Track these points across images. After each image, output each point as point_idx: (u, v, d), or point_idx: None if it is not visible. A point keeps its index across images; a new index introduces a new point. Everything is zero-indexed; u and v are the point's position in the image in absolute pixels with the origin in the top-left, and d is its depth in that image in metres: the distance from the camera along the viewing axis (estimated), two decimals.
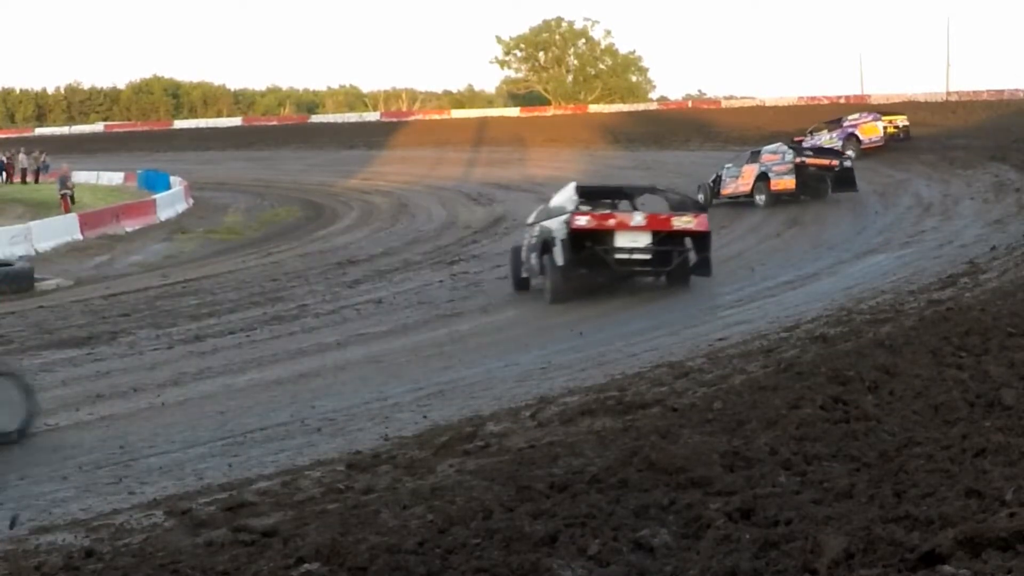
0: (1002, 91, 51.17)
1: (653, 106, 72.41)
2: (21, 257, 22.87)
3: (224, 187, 44.89)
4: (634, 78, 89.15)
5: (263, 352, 13.17)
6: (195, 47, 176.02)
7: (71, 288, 20.50)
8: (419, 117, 76.72)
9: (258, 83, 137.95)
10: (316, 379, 11.41)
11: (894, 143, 36.89)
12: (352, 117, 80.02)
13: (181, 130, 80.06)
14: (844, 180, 27.56)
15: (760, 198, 27.85)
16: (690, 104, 71.76)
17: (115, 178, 50.78)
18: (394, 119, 75.60)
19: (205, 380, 11.67)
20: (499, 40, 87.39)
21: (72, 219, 29.37)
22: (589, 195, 17.14)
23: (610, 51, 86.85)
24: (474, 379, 10.85)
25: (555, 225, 15.35)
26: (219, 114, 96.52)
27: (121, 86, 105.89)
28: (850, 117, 39.27)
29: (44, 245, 25.96)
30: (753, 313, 13.77)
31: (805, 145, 32.01)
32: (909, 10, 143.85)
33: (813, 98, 60.04)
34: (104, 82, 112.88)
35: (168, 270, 22.66)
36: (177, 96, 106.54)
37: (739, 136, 48.78)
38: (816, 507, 4.93)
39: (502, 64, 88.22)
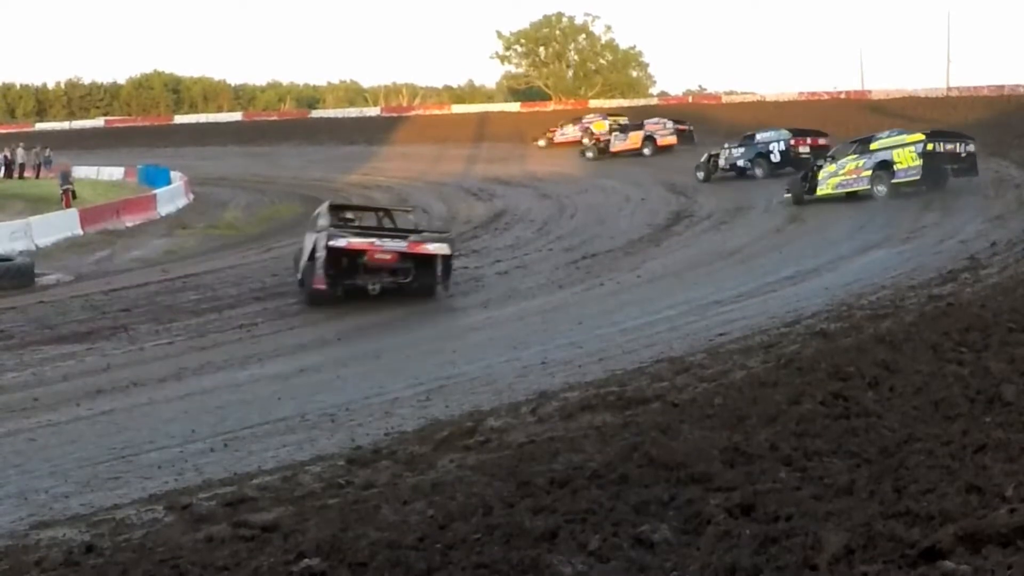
0: (1003, 86, 51.14)
1: (653, 101, 72.29)
2: (21, 252, 22.84)
3: (224, 183, 44.86)
4: (634, 73, 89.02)
5: (263, 347, 13.16)
6: (196, 42, 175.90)
7: (71, 283, 20.47)
8: (419, 113, 76.70)
9: (258, 78, 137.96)
10: (316, 374, 11.41)
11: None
12: (352, 113, 80.00)
13: (181, 125, 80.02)
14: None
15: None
16: (690, 99, 71.71)
17: (115, 173, 50.71)
18: (394, 115, 75.58)
19: (205, 375, 11.67)
20: (499, 35, 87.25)
21: (72, 215, 29.34)
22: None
23: (610, 46, 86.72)
24: (474, 374, 10.86)
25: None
26: (219, 109, 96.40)
27: (121, 81, 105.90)
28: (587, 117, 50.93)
29: (44, 241, 25.93)
30: (753, 308, 13.77)
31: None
32: (909, 5, 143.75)
33: (814, 93, 59.97)
34: (104, 77, 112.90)
35: (168, 265, 22.63)
36: (177, 91, 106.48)
37: (739, 131, 48.72)
38: (816, 503, 4.93)
39: (502, 59, 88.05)
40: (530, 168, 42.45)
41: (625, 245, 22.08)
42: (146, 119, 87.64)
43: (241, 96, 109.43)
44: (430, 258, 16.09)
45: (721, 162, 35.08)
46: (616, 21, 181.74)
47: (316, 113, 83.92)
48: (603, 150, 45.32)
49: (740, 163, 34.58)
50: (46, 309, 16.73)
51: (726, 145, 36.04)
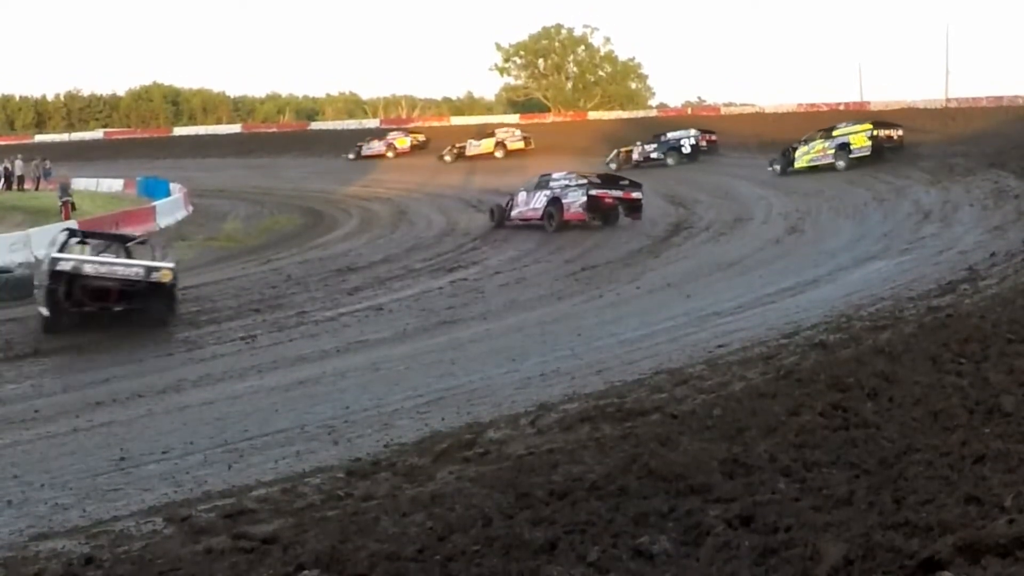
0: (1001, 98, 51.19)
1: (652, 113, 72.37)
2: (21, 264, 22.86)
3: (223, 194, 44.90)
4: (633, 85, 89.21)
5: (263, 359, 13.17)
6: (195, 54, 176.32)
7: None
8: (418, 124, 76.76)
9: (258, 90, 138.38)
10: (316, 386, 11.40)
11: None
12: (352, 124, 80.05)
13: (181, 137, 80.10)
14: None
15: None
16: (689, 111, 71.75)
17: (115, 185, 50.79)
18: (393, 126, 75.63)
19: (205, 387, 11.67)
20: (498, 47, 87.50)
21: (72, 227, 29.36)
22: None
23: (609, 58, 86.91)
24: (474, 386, 10.85)
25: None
26: (219, 121, 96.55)
27: (121, 93, 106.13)
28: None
29: (44, 252, 25.92)
30: (753, 320, 13.77)
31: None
32: (908, 17, 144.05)
33: (812, 105, 60.07)
34: (104, 89, 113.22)
35: None
36: (177, 103, 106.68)
37: (739, 143, 48.80)
38: (816, 514, 4.93)
39: (501, 71, 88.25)
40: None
41: (624, 256, 22.10)
42: (145, 131, 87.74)
43: (240, 108, 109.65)
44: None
45: (635, 155, 46.02)
46: (615, 33, 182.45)
47: (315, 125, 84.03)
48: (460, 155, 54.48)
49: (653, 156, 45.59)
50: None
51: (638, 143, 47.00)
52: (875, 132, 35.98)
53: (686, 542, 4.85)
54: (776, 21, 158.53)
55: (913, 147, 38.23)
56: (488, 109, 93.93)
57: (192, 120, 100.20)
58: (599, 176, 29.26)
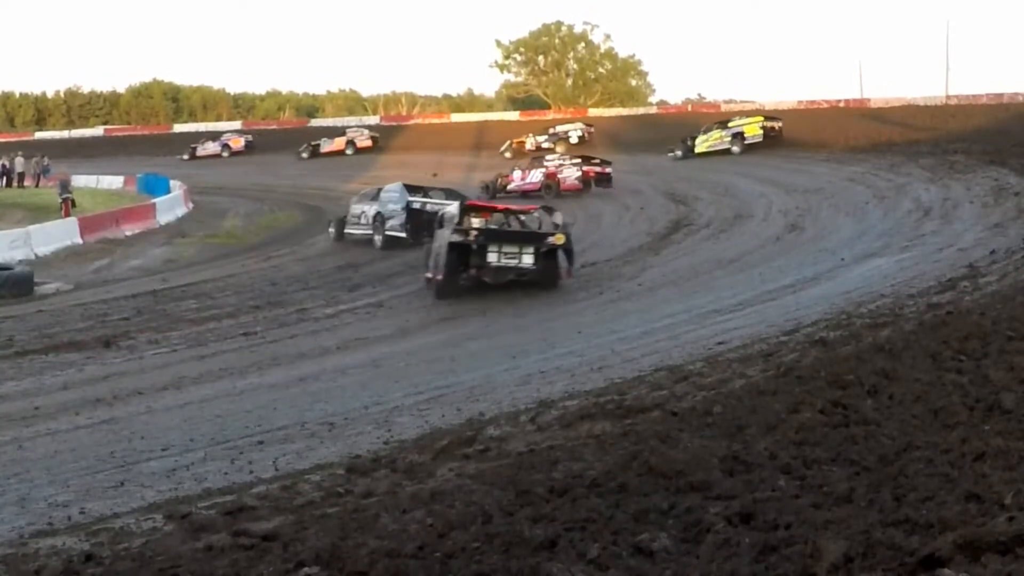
0: (1001, 95, 51.21)
1: (653, 110, 72.45)
2: (21, 261, 22.88)
3: (224, 191, 44.88)
4: (634, 82, 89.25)
5: (263, 356, 13.17)
6: (195, 51, 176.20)
7: (71, 292, 20.49)
8: (419, 121, 76.75)
9: (258, 87, 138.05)
10: (316, 383, 11.41)
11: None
12: (352, 121, 79.97)
13: (181, 134, 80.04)
14: None
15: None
16: (690, 108, 71.78)
17: (115, 182, 50.76)
18: (394, 123, 75.60)
19: (205, 384, 11.68)
20: (499, 44, 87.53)
21: (72, 223, 29.37)
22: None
23: (610, 55, 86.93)
24: (474, 383, 10.86)
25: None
26: (219, 118, 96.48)
27: (121, 90, 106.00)
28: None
29: (44, 249, 25.95)
30: (753, 317, 13.77)
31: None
32: (908, 14, 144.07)
33: (813, 102, 60.05)
34: (104, 86, 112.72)
35: (168, 274, 22.65)
36: (177, 100, 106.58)
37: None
38: (816, 511, 4.93)
39: (502, 68, 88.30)
40: None
41: (624, 253, 22.10)
42: (145, 128, 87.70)
43: (240, 105, 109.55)
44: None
45: (528, 145, 52.79)
46: (615, 30, 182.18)
47: (315, 122, 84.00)
48: (314, 152, 60.01)
49: (544, 145, 51.95)
50: (46, 318, 16.75)
51: (530, 134, 54.98)
52: (765, 123, 44.42)
53: (686, 539, 4.85)
54: (777, 18, 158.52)
55: (913, 144, 38.24)
56: (488, 106, 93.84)
57: (192, 117, 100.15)
58: (581, 156, 37.26)
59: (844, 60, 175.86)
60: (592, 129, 55.05)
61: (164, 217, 34.45)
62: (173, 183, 43.15)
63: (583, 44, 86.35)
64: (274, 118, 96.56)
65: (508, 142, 54.47)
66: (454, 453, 7.63)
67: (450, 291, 17.26)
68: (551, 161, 36.09)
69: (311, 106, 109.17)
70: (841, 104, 58.46)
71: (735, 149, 43.28)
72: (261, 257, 25.05)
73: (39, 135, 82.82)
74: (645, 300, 16.29)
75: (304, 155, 60.20)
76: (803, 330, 12.09)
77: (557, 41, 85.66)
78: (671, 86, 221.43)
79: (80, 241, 28.10)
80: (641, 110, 71.38)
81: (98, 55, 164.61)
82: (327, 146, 61.08)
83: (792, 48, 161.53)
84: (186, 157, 63.20)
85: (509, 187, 34.97)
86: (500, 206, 21.27)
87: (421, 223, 23.24)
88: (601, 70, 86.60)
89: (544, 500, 5.73)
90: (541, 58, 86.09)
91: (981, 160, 32.17)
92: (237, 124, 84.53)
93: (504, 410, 9.30)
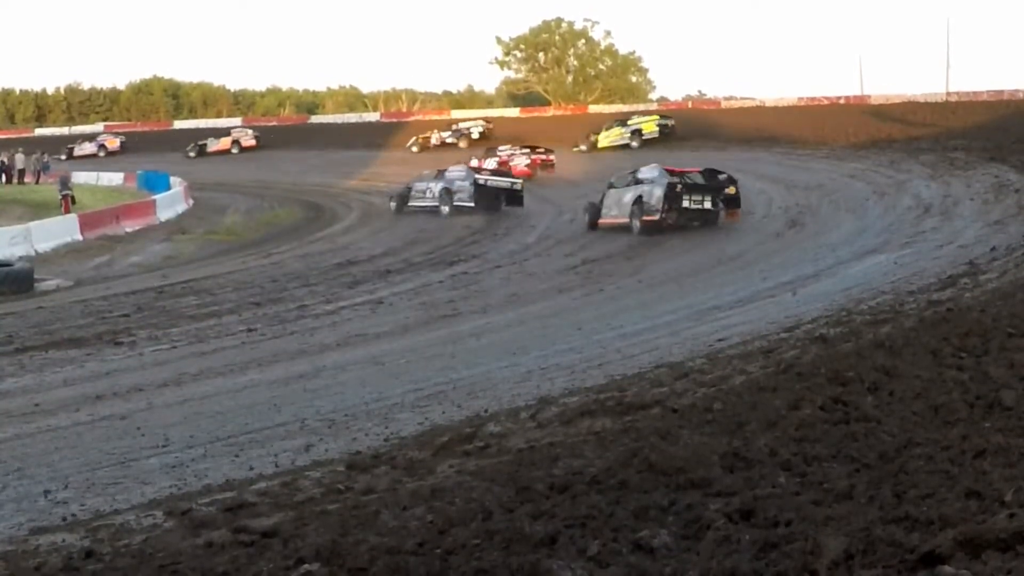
0: (1002, 91, 51.12)
1: (653, 107, 72.31)
2: (21, 258, 22.89)
3: (224, 188, 44.89)
4: (634, 79, 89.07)
5: (263, 352, 13.17)
6: (195, 48, 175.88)
7: (71, 289, 20.50)
8: (419, 118, 76.70)
9: (258, 84, 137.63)
10: (316, 379, 11.40)
11: None
12: (352, 118, 79.98)
13: (181, 131, 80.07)
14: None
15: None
16: (690, 105, 71.67)
17: (115, 179, 50.82)
18: (394, 120, 75.59)
19: (205, 380, 11.67)
20: (499, 41, 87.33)
21: (72, 220, 29.39)
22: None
23: (610, 52, 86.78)
24: (474, 380, 10.86)
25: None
26: (219, 115, 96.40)
27: (121, 87, 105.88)
28: None
29: (44, 246, 25.97)
30: (753, 314, 13.77)
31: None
32: (909, 11, 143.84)
33: (813, 99, 60.02)
34: (104, 83, 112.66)
35: (168, 271, 22.66)
36: (177, 97, 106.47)
37: (739, 136, 48.78)
38: (816, 508, 4.93)
39: (502, 65, 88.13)
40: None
41: (624, 250, 22.11)
42: (146, 124, 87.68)
43: (241, 101, 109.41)
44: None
45: (433, 140, 57.94)
46: (616, 26, 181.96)
47: (316, 118, 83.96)
48: (201, 152, 63.68)
49: (448, 140, 58.37)
50: (46, 314, 16.75)
51: (435, 130, 60.08)
52: (660, 121, 51.39)
53: (686, 536, 4.85)
54: (777, 15, 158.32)
55: (914, 141, 38.24)
56: (488, 103, 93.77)
57: (192, 114, 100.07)
58: (529, 147, 44.50)
59: (844, 57, 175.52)
60: (492, 126, 60.88)
61: (164, 213, 34.47)
62: (173, 179, 43.18)
63: (583, 41, 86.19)
64: (274, 115, 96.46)
65: (415, 137, 59.60)
66: (454, 450, 7.63)
67: (659, 229, 23.71)
68: (503, 151, 42.75)
69: (311, 103, 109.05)
70: (841, 101, 58.40)
71: (634, 144, 49.87)
72: (261, 253, 25.05)
73: (39, 131, 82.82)
74: (645, 296, 16.29)
75: (191, 154, 63.37)
76: (803, 327, 12.09)
77: (557, 38, 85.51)
78: (671, 83, 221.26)
79: (80, 238, 28.12)
80: (641, 107, 71.24)
81: (98, 52, 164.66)
82: (213, 146, 64.78)
83: (792, 45, 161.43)
84: (64, 158, 64.24)
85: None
86: (678, 169, 26.31)
87: (487, 195, 31.13)
88: (601, 67, 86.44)
89: (544, 497, 5.74)
90: (541, 55, 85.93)
91: (981, 157, 32.18)
92: (237, 120, 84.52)
93: (504, 407, 9.31)
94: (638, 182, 25.53)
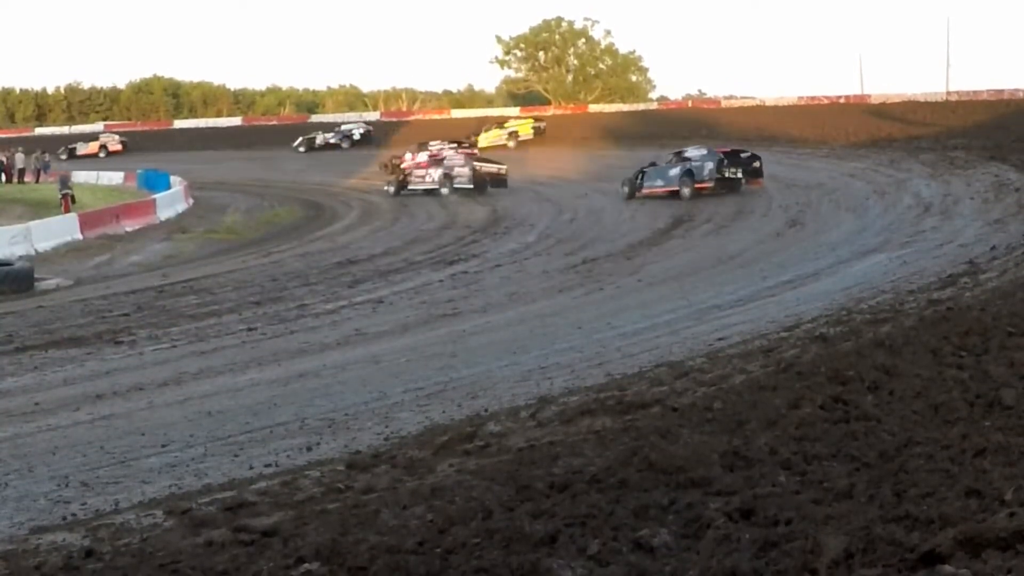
0: (1002, 91, 51.13)
1: (653, 106, 72.35)
2: (21, 257, 22.89)
3: (224, 187, 44.86)
4: (634, 78, 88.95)
5: (263, 352, 13.17)
6: (195, 47, 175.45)
7: (71, 288, 20.50)
8: (419, 117, 76.67)
9: (258, 83, 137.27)
10: (316, 379, 11.41)
11: None
12: (352, 117, 79.86)
13: (181, 130, 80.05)
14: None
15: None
16: (690, 104, 71.73)
17: (115, 178, 50.79)
18: (394, 119, 75.56)
19: (205, 380, 11.67)
20: (499, 40, 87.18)
21: (72, 219, 29.37)
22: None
23: (610, 51, 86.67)
24: (474, 379, 10.86)
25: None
26: (219, 114, 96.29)
27: (121, 86, 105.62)
28: None
29: (44, 245, 25.96)
30: (753, 313, 13.78)
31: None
32: (909, 10, 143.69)
33: (813, 98, 60.03)
34: (104, 82, 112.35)
35: (168, 270, 22.65)
36: (177, 96, 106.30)
37: (739, 135, 48.78)
38: (816, 507, 4.93)
39: (502, 64, 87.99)
40: (530, 172, 42.49)
41: (625, 249, 22.11)
42: (146, 124, 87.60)
43: (241, 101, 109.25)
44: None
45: (318, 141, 62.75)
46: (616, 26, 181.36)
47: (316, 117, 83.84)
48: (72, 154, 65.32)
49: (332, 141, 63.50)
50: (46, 313, 16.76)
51: (319, 132, 65.18)
52: (534, 124, 58.49)
53: (686, 535, 4.85)
54: (777, 14, 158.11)
55: (914, 140, 38.25)
56: (488, 102, 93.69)
57: (192, 113, 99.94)
58: (456, 142, 45.04)
59: (844, 56, 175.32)
60: (371, 128, 66.23)
61: (164, 213, 34.45)
62: (173, 179, 43.15)
63: (583, 40, 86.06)
64: (274, 114, 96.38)
65: (301, 138, 64.71)
66: (454, 449, 7.63)
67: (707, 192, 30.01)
68: (434, 146, 44.56)
69: (311, 102, 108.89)
70: (841, 100, 58.44)
71: (511, 144, 55.84)
72: (261, 253, 25.03)
73: (39, 131, 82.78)
74: (645, 295, 16.29)
75: (63, 156, 64.83)
76: (803, 326, 12.10)
77: (557, 37, 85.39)
78: (672, 82, 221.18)
79: (80, 237, 28.11)
80: (641, 106, 71.27)
81: (98, 51, 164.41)
82: (83, 149, 67.83)
83: (792, 44, 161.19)
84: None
85: (403, 166, 41.97)
86: (726, 149, 33.36)
87: (481, 178, 37.99)
88: (601, 66, 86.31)
89: (544, 496, 5.74)
90: (541, 54, 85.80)
91: (981, 156, 32.20)
92: (237, 120, 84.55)
93: (504, 406, 9.31)
94: (685, 159, 32.08)
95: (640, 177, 32.54)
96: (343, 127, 66.52)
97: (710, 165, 31.01)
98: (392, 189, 38.44)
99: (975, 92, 52.78)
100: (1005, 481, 4.83)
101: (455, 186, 37.14)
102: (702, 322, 13.44)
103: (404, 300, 17.15)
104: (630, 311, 14.74)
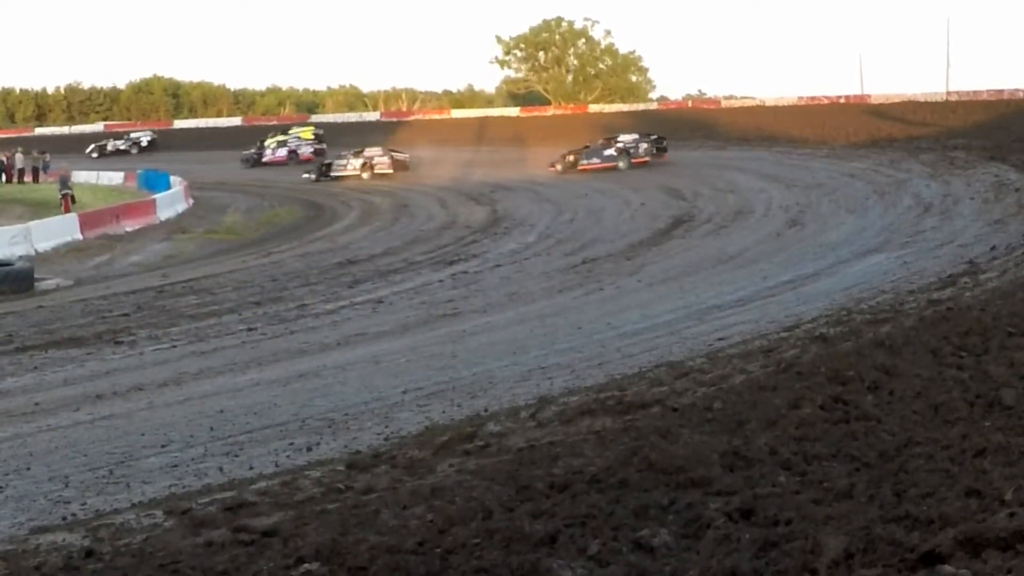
0: (1002, 91, 51.12)
1: (653, 106, 72.35)
2: (21, 257, 22.87)
3: (224, 187, 44.86)
4: (634, 78, 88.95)
5: (263, 352, 13.17)
6: (195, 47, 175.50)
7: (71, 288, 20.49)
8: (419, 117, 76.67)
9: (258, 83, 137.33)
10: (316, 379, 11.41)
11: None
12: (352, 117, 79.93)
13: (181, 130, 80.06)
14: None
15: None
16: (690, 104, 71.73)
17: (115, 178, 50.76)
18: (394, 119, 75.56)
19: (205, 380, 11.68)
20: (499, 40, 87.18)
21: (72, 219, 29.35)
22: None
23: (610, 51, 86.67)
24: (474, 379, 10.86)
25: None
26: (219, 114, 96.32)
27: (121, 86, 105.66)
28: None
29: (44, 245, 25.94)
30: (753, 313, 13.77)
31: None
32: (909, 10, 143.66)
33: (813, 98, 60.04)
34: (104, 82, 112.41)
35: (168, 270, 22.64)
36: (177, 96, 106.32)
37: (739, 135, 48.79)
38: (816, 507, 4.93)
39: (502, 64, 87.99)
40: (530, 173, 42.48)
41: (625, 249, 22.09)
42: (146, 124, 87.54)
43: (241, 101, 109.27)
44: None
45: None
46: (616, 26, 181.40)
47: (316, 117, 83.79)
48: (102, 152, 67.19)
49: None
50: (46, 314, 16.75)
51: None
52: (315, 131, 60.71)
53: (686, 535, 4.85)
54: (777, 14, 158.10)
55: (914, 140, 38.26)
56: (488, 102, 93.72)
57: (192, 113, 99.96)
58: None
59: (844, 56, 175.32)
60: (156, 137, 70.93)
61: (164, 213, 34.42)
62: (173, 179, 43.12)
63: (583, 40, 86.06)
64: (274, 114, 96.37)
65: (92, 145, 67.62)
66: (454, 449, 7.63)
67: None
68: (293, 143, 53.95)
69: (311, 102, 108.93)
70: (841, 100, 58.43)
71: (291, 154, 58.30)
72: (261, 253, 25.02)
73: (39, 131, 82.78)
74: (645, 296, 16.28)
75: (94, 155, 66.14)
76: (803, 326, 12.10)
77: (557, 37, 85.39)
78: (672, 82, 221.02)
79: (80, 237, 28.08)
80: (641, 106, 71.27)
81: (98, 51, 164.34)
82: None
83: (792, 44, 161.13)
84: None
85: (264, 159, 54.06)
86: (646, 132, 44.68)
87: (401, 165, 46.28)
88: (601, 66, 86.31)
89: (544, 496, 5.74)
90: (541, 54, 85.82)
91: (981, 156, 32.20)
92: (237, 120, 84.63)
93: (504, 406, 9.31)
94: (619, 142, 43.11)
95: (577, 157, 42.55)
96: (132, 135, 71.05)
97: (644, 145, 42.72)
98: (313, 176, 46.40)
99: (975, 92, 52.76)
100: (1005, 481, 4.83)
101: (376, 172, 46.01)
102: (702, 322, 13.44)
103: (404, 300, 17.14)
104: (630, 311, 14.74)
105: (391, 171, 46.35)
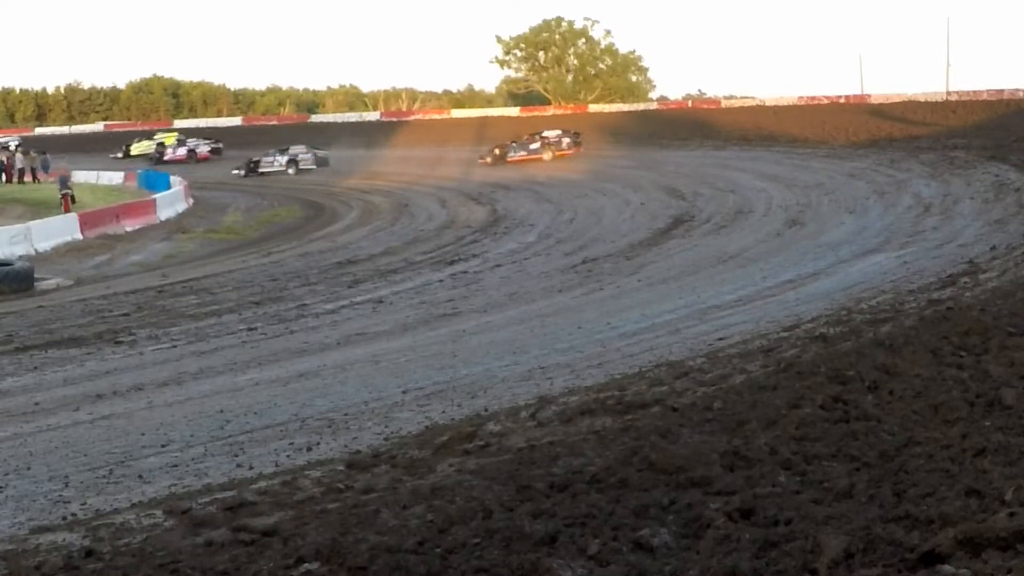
0: (1002, 91, 51.17)
1: (653, 106, 72.47)
2: (21, 257, 22.86)
3: (224, 187, 44.87)
4: (634, 78, 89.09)
5: (263, 351, 13.16)
6: (195, 47, 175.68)
7: (71, 288, 20.49)
8: (419, 117, 76.75)
9: (258, 83, 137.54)
10: (316, 378, 11.41)
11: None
12: (352, 117, 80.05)
13: (181, 129, 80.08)
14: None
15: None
16: (690, 104, 71.83)
17: (115, 178, 50.76)
18: (394, 119, 75.63)
19: (205, 379, 11.67)
20: (499, 40, 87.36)
21: (72, 219, 29.34)
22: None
23: (610, 51, 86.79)
24: (474, 379, 10.86)
25: None
26: (219, 114, 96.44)
27: (121, 86, 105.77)
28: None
29: (44, 245, 25.93)
30: (753, 313, 13.77)
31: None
32: (909, 10, 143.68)
33: (813, 98, 60.04)
34: (104, 82, 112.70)
35: (168, 270, 22.64)
36: (177, 96, 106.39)
37: (739, 135, 48.79)
38: (816, 507, 4.93)
39: (502, 64, 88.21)
40: (530, 172, 42.50)
41: (625, 249, 22.09)
42: (146, 123, 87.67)
43: (241, 100, 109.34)
44: None
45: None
46: (616, 26, 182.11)
47: (316, 117, 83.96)
48: (127, 153, 68.39)
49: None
50: (46, 313, 16.75)
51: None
52: (178, 137, 66.41)
53: (686, 535, 4.85)
54: (777, 14, 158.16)
55: (914, 140, 38.25)
56: (488, 102, 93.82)
57: (193, 113, 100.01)
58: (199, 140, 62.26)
59: (845, 56, 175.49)
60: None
61: (164, 212, 34.41)
62: (173, 178, 43.12)
63: (584, 40, 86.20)
64: (274, 114, 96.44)
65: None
66: (454, 449, 7.63)
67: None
68: (192, 143, 58.89)
69: (311, 102, 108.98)
70: (842, 100, 58.50)
71: (155, 154, 62.26)
72: (261, 252, 25.02)
73: (39, 131, 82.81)
74: (645, 295, 16.27)
75: (118, 156, 67.07)
76: (803, 326, 12.10)
77: (558, 37, 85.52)
78: (672, 82, 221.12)
79: (80, 237, 28.07)
80: (641, 106, 71.38)
81: (98, 51, 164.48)
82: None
83: (793, 44, 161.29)
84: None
85: (165, 157, 59.16)
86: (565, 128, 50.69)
87: (323, 161, 52.00)
88: (601, 66, 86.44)
89: (544, 496, 5.74)
90: (541, 54, 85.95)
91: (981, 156, 32.20)
92: (238, 119, 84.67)
93: (504, 406, 9.31)
94: (543, 138, 48.56)
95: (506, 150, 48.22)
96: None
97: (567, 140, 48.56)
98: (242, 172, 50.17)
99: (975, 92, 52.81)
100: (1005, 481, 4.82)
101: (300, 168, 50.76)
102: (702, 322, 13.44)
103: (404, 300, 17.14)
104: (630, 311, 14.74)
105: (315, 167, 51.02)
